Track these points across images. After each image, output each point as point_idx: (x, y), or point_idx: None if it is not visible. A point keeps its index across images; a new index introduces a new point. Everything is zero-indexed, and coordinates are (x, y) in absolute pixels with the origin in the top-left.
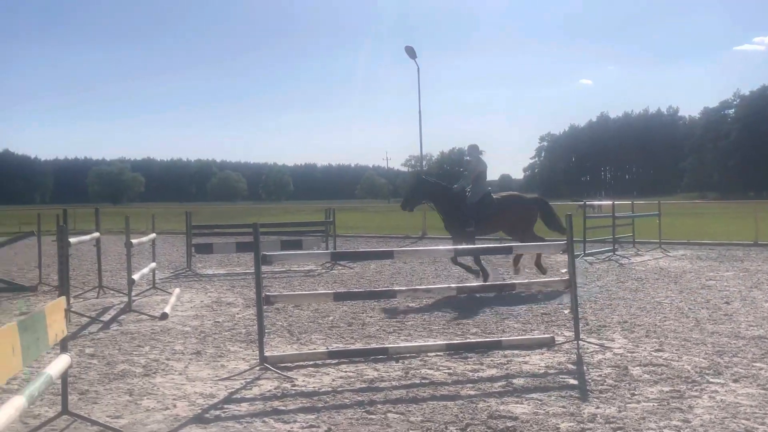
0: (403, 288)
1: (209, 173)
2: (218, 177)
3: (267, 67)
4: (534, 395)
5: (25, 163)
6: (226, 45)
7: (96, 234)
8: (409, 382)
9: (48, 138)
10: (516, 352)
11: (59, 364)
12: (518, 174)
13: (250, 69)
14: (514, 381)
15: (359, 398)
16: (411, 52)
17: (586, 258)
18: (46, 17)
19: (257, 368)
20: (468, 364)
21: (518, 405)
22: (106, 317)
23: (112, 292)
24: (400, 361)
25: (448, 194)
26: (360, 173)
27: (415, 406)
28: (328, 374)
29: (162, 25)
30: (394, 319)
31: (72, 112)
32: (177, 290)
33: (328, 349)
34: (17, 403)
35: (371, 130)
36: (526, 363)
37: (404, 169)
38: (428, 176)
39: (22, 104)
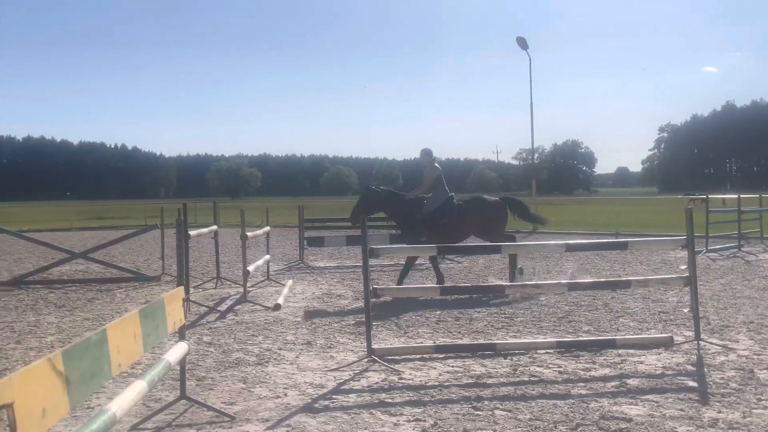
0: (512, 283)
1: (322, 168)
2: (330, 172)
3: (377, 62)
4: (650, 397)
5: (151, 160)
6: (336, 43)
7: (214, 227)
8: (517, 379)
9: (172, 136)
10: (631, 351)
11: (178, 351)
12: (636, 166)
13: (361, 65)
14: (629, 381)
15: (466, 394)
16: (522, 43)
17: (708, 254)
18: (167, 24)
19: (365, 360)
20: (579, 363)
21: (632, 406)
22: (223, 307)
23: (228, 282)
24: (509, 357)
25: (401, 202)
26: (469, 167)
27: (523, 403)
28: (434, 368)
29: (275, 27)
30: (503, 315)
31: (194, 111)
32: (290, 282)
33: (435, 343)
34: (139, 386)
35: (481, 123)
36: (641, 363)
37: (515, 162)
38: (379, 186)
39: (149, 105)
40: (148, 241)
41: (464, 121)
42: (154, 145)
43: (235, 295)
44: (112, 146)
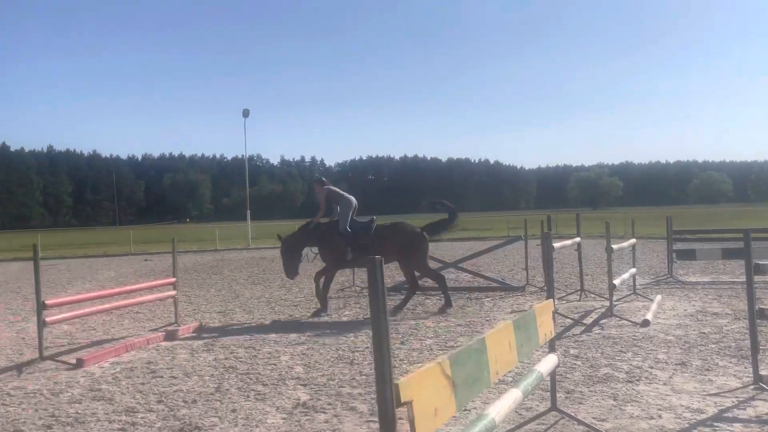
0: None
1: (690, 174)
2: (700, 178)
3: (732, 59)
4: None
5: (511, 173)
6: (676, 43)
7: (577, 239)
8: None
9: (533, 148)
10: None
11: (548, 362)
12: None
13: (711, 63)
14: None
15: None
16: None
17: None
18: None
19: (751, 387)
20: None
21: None
22: (588, 320)
23: (592, 295)
24: None
25: (316, 231)
26: None
27: None
28: None
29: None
30: None
31: (551, 121)
32: (658, 297)
33: None
34: (514, 395)
35: None
36: None
37: None
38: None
39: (510, 118)
40: (511, 251)
41: None
42: (516, 158)
43: (600, 308)
44: (477, 161)
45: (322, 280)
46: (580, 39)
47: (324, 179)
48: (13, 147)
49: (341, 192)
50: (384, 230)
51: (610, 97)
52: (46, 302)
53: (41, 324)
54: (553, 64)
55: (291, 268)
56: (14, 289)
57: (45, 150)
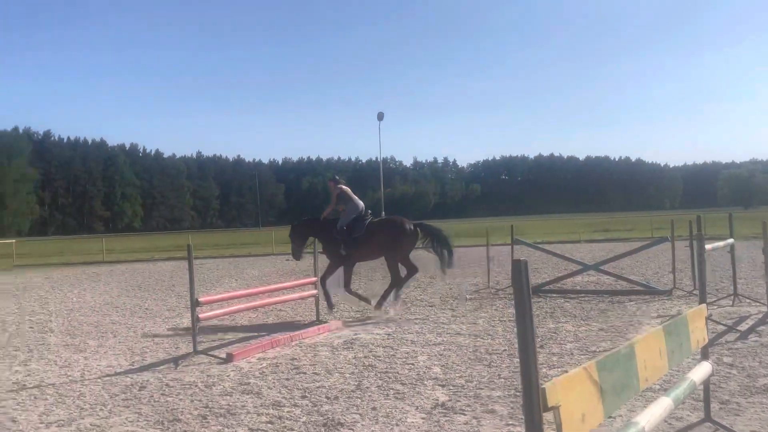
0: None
1: None
2: None
3: None
4: None
5: (655, 171)
6: None
7: (730, 240)
8: None
9: (677, 145)
10: None
11: (701, 370)
12: None
13: None
14: None
15: None
16: None
17: None
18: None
19: None
20: None
21: None
22: (743, 327)
23: (747, 300)
24: None
25: (320, 223)
26: None
27: None
28: None
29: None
30: None
31: (699, 119)
32: None
33: None
34: (665, 403)
35: None
36: None
37: None
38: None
39: (649, 113)
40: (656, 253)
41: None
42: (659, 156)
43: (756, 314)
44: (616, 159)
45: (336, 281)
46: (728, 27)
47: (339, 178)
48: (166, 153)
49: (352, 195)
50: (374, 225)
51: (762, 88)
52: (199, 299)
53: (195, 320)
54: (698, 54)
55: (296, 252)
56: (169, 287)
57: (194, 156)
